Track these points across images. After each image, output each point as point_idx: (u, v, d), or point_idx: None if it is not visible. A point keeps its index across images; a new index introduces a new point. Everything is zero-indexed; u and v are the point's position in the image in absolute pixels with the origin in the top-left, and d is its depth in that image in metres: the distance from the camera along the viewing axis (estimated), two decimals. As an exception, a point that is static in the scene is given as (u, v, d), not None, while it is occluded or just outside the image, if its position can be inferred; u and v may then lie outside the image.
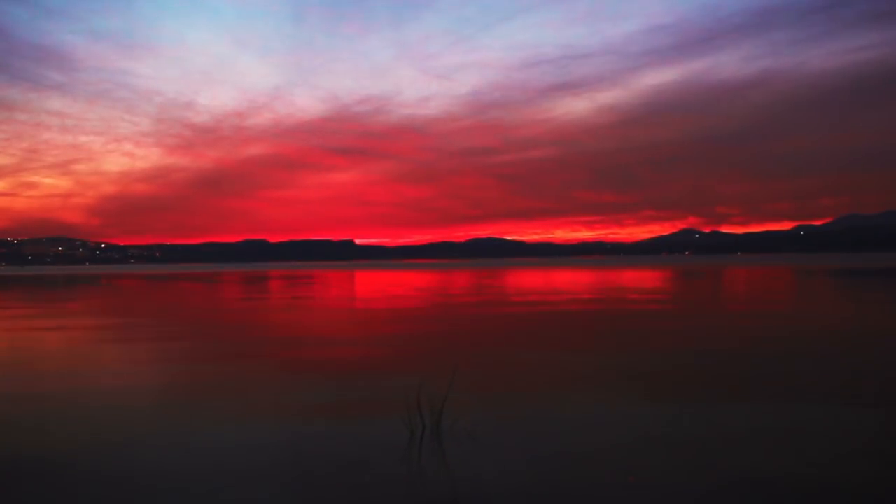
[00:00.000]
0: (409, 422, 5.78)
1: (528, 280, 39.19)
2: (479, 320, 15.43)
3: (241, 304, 22.93)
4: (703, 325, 13.39)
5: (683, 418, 5.93)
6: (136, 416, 6.32)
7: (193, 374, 8.83)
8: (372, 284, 38.00)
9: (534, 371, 8.56)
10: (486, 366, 9.01)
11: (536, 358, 9.85)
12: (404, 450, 5.16)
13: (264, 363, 9.72)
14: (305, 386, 7.84)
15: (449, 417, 5.93)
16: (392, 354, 10.30)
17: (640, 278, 39.15)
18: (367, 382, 7.95)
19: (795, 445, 5.03)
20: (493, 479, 4.50)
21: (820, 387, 7.11)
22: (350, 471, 4.68)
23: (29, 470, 4.81)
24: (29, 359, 10.34)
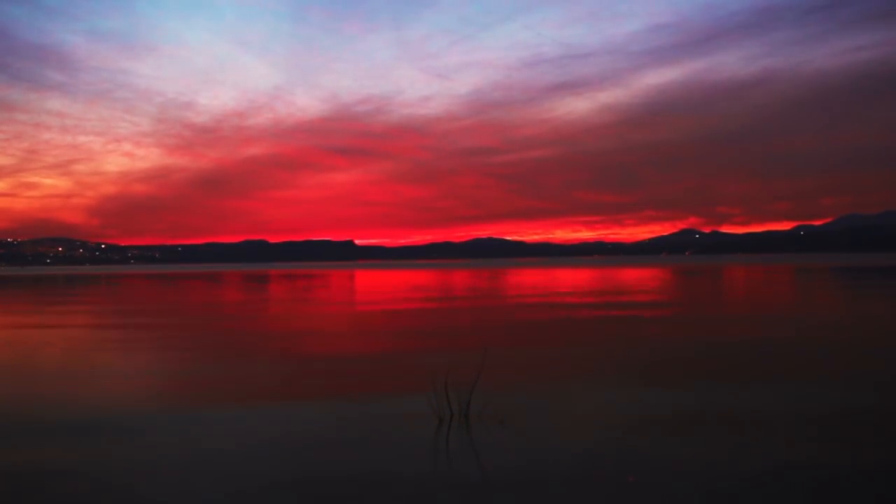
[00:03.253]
0: (438, 409, 5.88)
1: (531, 279, 39.57)
2: (494, 316, 15.85)
3: (255, 303, 23.38)
4: (708, 322, 14.14)
5: (698, 404, 6.20)
6: (141, 418, 6.22)
7: (205, 371, 9.01)
8: (378, 284, 38.36)
9: (555, 363, 8.78)
10: (511, 357, 9.25)
11: (557, 350, 9.87)
12: (433, 436, 5.28)
13: (287, 355, 9.76)
14: (329, 376, 7.92)
15: (477, 405, 6.03)
16: (416, 347, 10.51)
17: (643, 277, 39.51)
18: (394, 373, 8.10)
19: (797, 441, 5.10)
20: (519, 463, 4.58)
21: (818, 388, 7.44)
22: (379, 456, 4.73)
23: (28, 470, 4.73)
24: (26, 359, 10.48)
